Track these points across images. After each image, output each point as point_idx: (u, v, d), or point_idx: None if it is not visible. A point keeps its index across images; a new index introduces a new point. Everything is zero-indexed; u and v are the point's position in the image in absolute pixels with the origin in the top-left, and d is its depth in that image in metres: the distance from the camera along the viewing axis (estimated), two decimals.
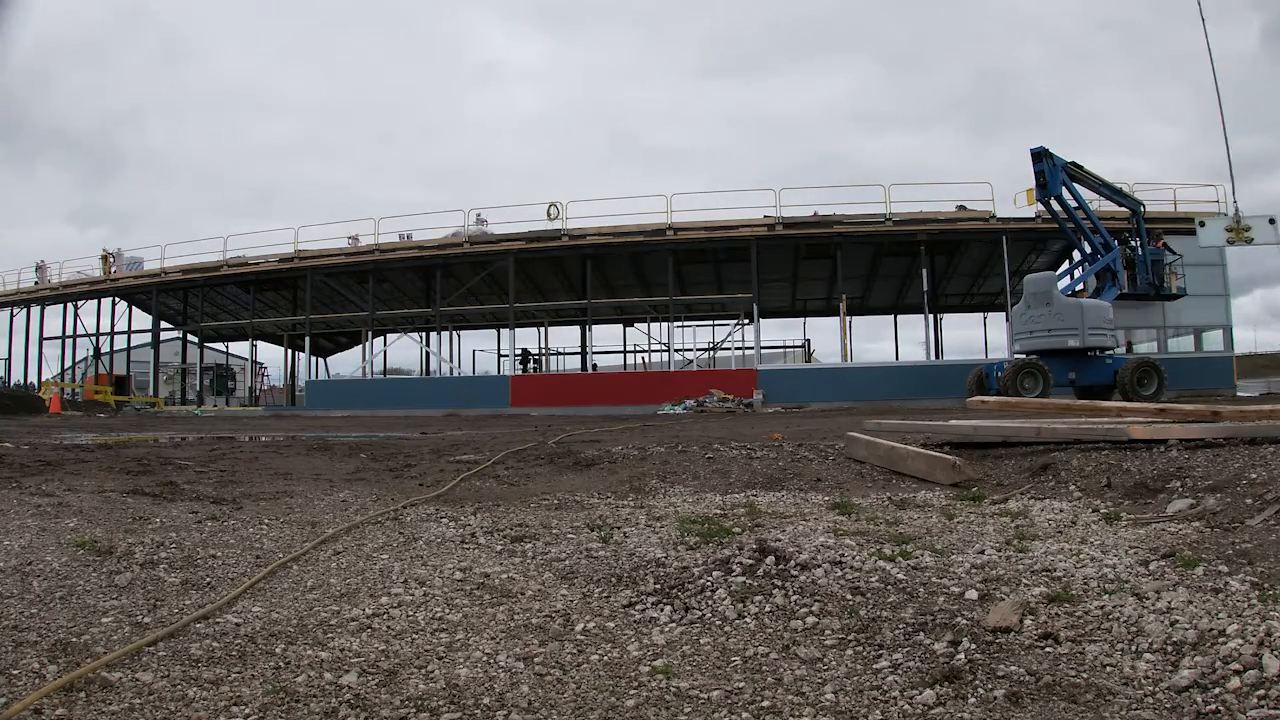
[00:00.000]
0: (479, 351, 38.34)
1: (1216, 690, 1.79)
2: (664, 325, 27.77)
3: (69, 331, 32.07)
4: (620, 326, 33.35)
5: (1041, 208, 22.85)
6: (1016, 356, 18.52)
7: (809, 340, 33.86)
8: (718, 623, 2.49)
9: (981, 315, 31.36)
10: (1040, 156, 17.83)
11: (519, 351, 31.66)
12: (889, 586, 2.68)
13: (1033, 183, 18.71)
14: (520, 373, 30.33)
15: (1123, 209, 19.83)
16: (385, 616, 2.61)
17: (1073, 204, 18.56)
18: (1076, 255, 20.67)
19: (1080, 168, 18.51)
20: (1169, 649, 2.03)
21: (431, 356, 33.22)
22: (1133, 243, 19.49)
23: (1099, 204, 19.61)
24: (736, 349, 28.57)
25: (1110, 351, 18.54)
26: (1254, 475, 3.92)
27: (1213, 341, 22.99)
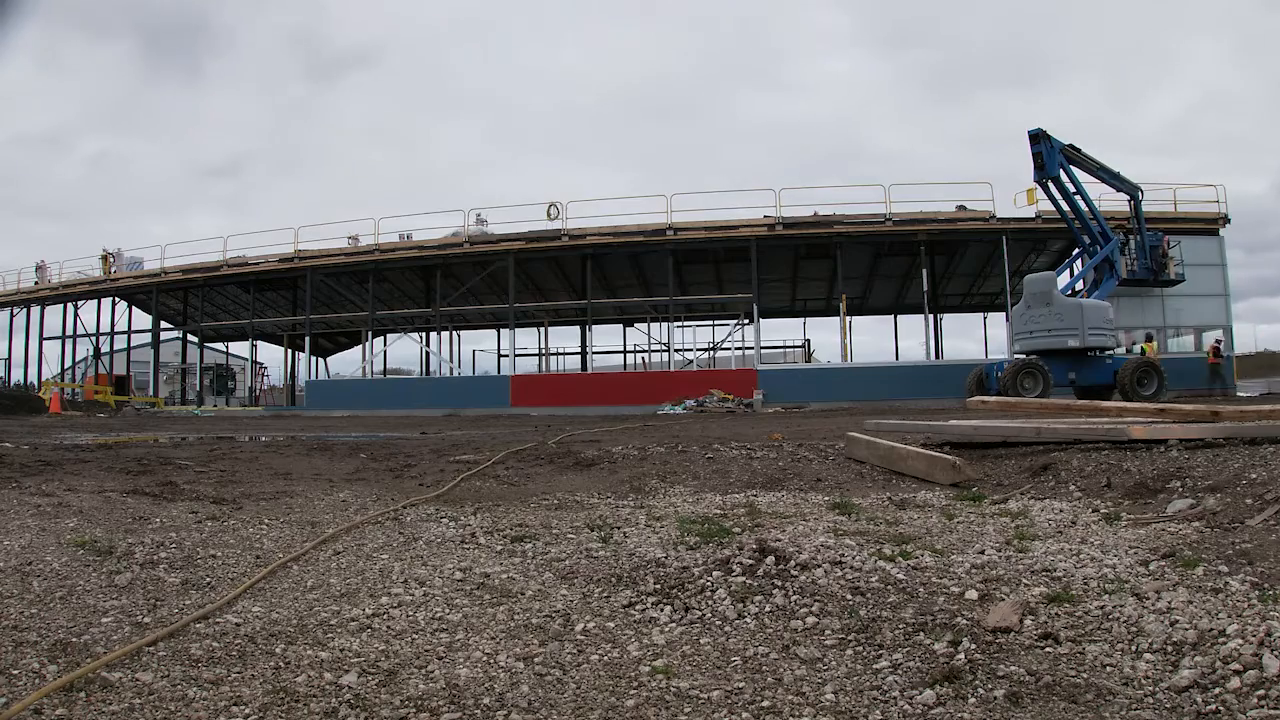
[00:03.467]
0: (479, 351, 38.35)
1: (1216, 690, 1.79)
2: (664, 325, 27.77)
3: (69, 331, 32.08)
4: (620, 326, 33.38)
5: (1041, 208, 22.94)
6: (1016, 356, 18.50)
7: (809, 340, 33.90)
8: (718, 623, 2.49)
9: (981, 315, 31.37)
10: (1038, 138, 17.78)
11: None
12: (889, 586, 2.68)
13: (1033, 185, 18.74)
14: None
15: (1121, 194, 19.82)
16: (385, 616, 2.61)
17: (1071, 189, 18.50)
18: (1076, 253, 20.66)
19: (1078, 150, 18.44)
20: (1169, 649, 2.03)
21: (431, 356, 33.24)
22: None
23: (1098, 194, 19.61)
24: (736, 349, 28.58)
25: (1110, 352, 18.52)
26: (1254, 475, 3.92)
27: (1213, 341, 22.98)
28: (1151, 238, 19.96)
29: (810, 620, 2.44)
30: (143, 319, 31.86)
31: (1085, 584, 2.62)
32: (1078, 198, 18.69)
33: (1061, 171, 18.03)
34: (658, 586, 2.83)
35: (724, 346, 30.25)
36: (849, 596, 2.61)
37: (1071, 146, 18.23)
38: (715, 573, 2.88)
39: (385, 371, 31.13)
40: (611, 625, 2.51)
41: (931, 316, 27.18)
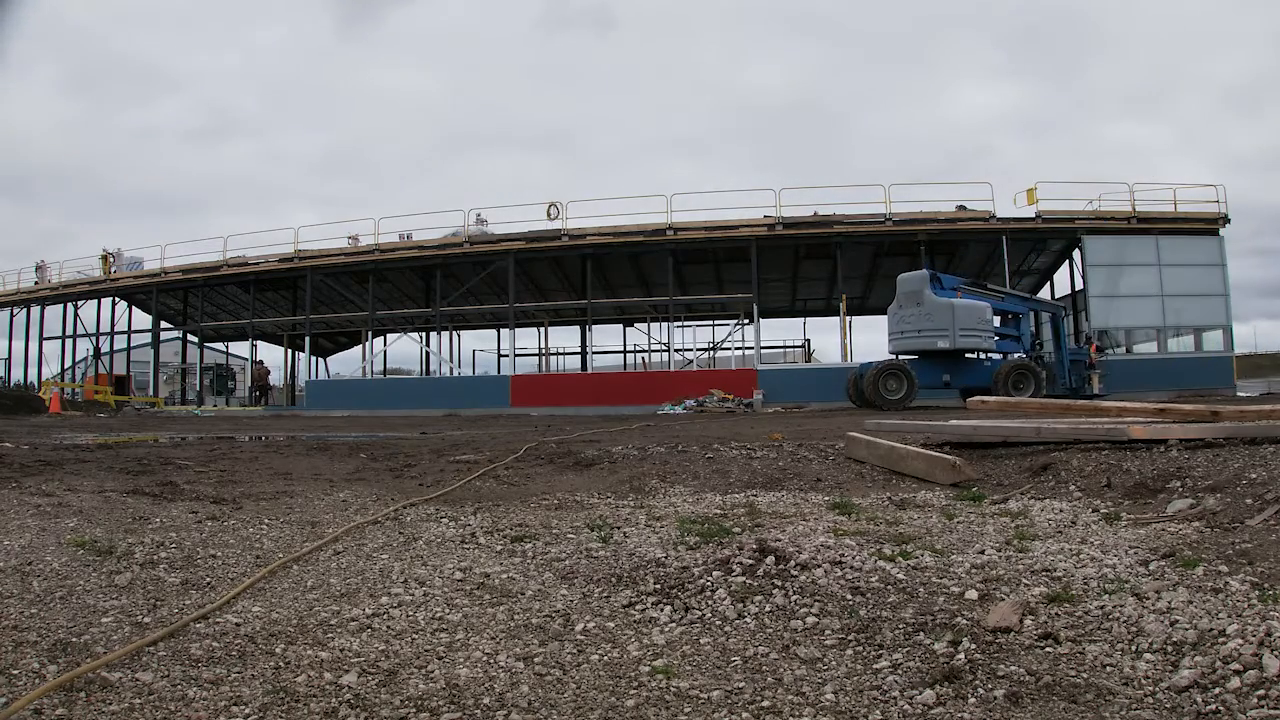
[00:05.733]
0: (479, 351, 38.38)
1: (1216, 690, 1.79)
2: (664, 325, 27.77)
3: (69, 331, 32.09)
4: (620, 326, 33.39)
5: (1042, 208, 22.97)
6: (887, 358, 17.96)
7: (809, 340, 33.92)
8: (718, 623, 2.49)
9: None
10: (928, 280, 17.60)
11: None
12: (889, 586, 2.68)
13: (1033, 184, 18.56)
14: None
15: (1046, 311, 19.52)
16: (385, 616, 2.61)
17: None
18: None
19: (984, 285, 18.56)
20: (1169, 649, 2.03)
21: (431, 356, 33.24)
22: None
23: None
24: (736, 349, 28.60)
25: (990, 353, 17.80)
26: (1254, 475, 3.92)
27: (1213, 341, 22.99)
28: (1074, 353, 18.87)
29: (810, 620, 2.44)
30: (143, 319, 31.91)
31: (1085, 584, 2.62)
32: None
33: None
34: (658, 586, 2.83)
35: (724, 346, 30.29)
36: (849, 596, 2.61)
37: (975, 282, 18.34)
38: (715, 573, 2.88)
39: (385, 371, 31.15)
40: (611, 625, 2.51)
41: None
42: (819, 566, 2.86)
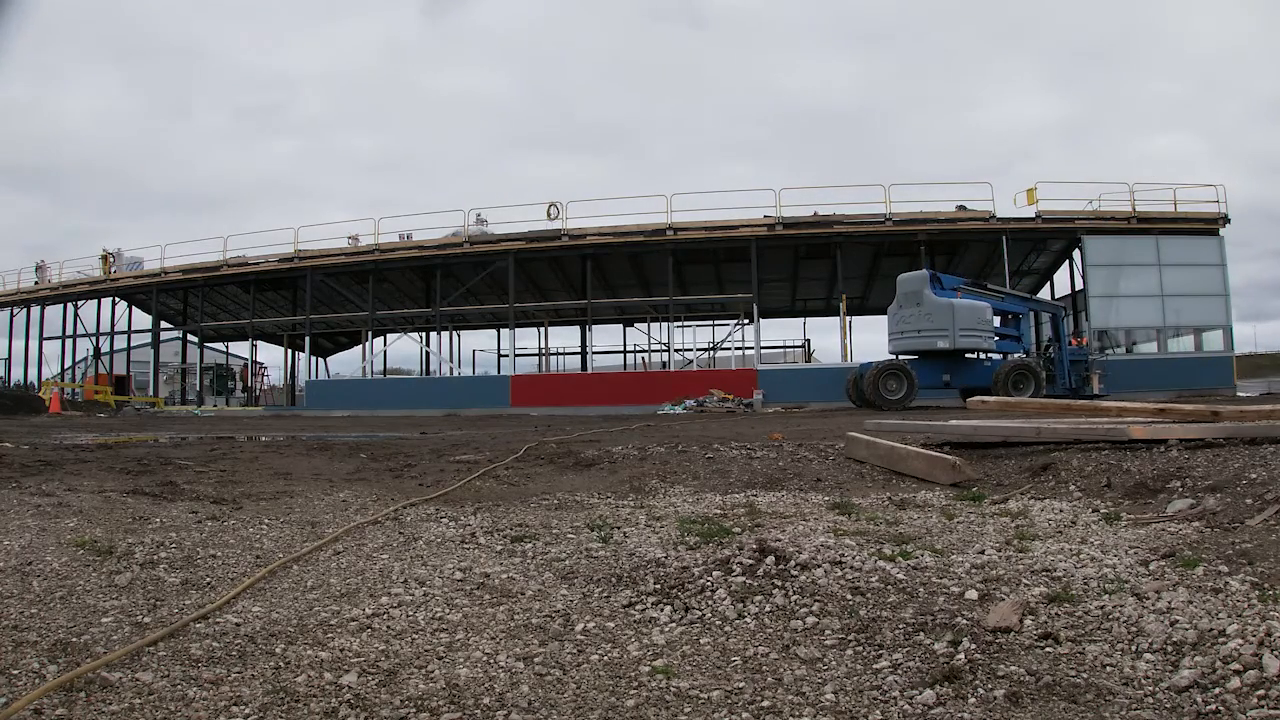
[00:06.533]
0: (479, 351, 38.40)
1: (1216, 690, 1.79)
2: (664, 325, 27.79)
3: (69, 331, 32.11)
4: (620, 326, 33.40)
5: (1042, 208, 22.99)
6: (887, 358, 17.98)
7: (809, 340, 33.94)
8: (718, 623, 2.49)
9: None
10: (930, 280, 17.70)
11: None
12: (889, 586, 2.68)
13: (1033, 184, 18.56)
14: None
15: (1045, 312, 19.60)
16: (385, 616, 2.61)
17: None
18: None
19: (984, 285, 18.54)
20: (1169, 649, 2.03)
21: (431, 356, 33.25)
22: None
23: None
24: (736, 349, 28.62)
25: (990, 353, 17.79)
26: (1254, 475, 3.92)
27: (1213, 341, 22.99)
28: (1075, 353, 18.78)
29: (810, 620, 2.44)
30: (143, 319, 31.95)
31: (1085, 584, 2.62)
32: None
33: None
34: (658, 586, 2.83)
35: (724, 346, 30.31)
36: (849, 596, 2.61)
37: (974, 282, 18.36)
38: (715, 573, 2.88)
39: (385, 371, 31.16)
40: (611, 625, 2.51)
41: None
42: (819, 566, 2.86)
